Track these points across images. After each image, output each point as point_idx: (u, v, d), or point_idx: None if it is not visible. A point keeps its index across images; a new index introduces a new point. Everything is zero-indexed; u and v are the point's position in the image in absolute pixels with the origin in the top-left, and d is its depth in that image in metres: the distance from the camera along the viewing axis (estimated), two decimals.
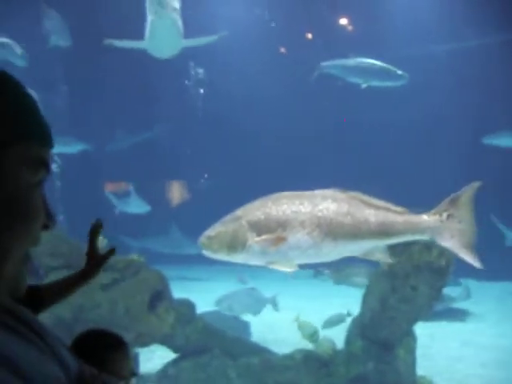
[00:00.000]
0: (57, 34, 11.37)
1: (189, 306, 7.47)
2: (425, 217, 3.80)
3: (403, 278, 6.80)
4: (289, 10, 12.72)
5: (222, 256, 3.82)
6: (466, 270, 10.97)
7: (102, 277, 6.54)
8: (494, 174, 11.93)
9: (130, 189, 14.03)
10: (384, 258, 4.02)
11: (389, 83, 10.78)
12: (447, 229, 3.77)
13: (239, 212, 3.84)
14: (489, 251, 11.66)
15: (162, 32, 7.64)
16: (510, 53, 12.03)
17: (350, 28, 13.66)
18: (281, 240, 3.61)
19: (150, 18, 7.78)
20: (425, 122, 13.43)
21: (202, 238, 3.85)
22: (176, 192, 16.19)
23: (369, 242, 3.79)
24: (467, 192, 3.81)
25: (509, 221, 12.10)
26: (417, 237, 3.91)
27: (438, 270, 6.72)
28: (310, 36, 13.76)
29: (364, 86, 10.76)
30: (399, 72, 10.63)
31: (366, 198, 3.85)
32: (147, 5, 7.75)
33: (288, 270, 3.76)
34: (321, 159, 13.74)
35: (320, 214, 3.69)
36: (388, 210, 3.81)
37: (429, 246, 6.63)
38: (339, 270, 9.65)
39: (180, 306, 7.34)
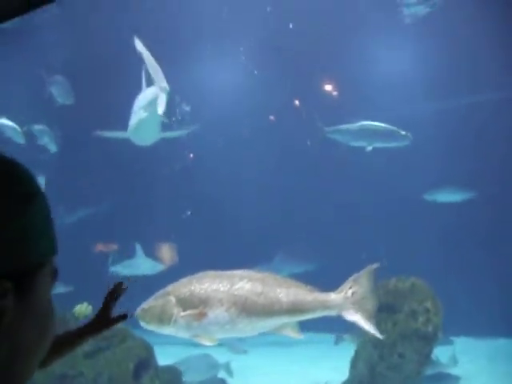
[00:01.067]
0: (62, 95, 11.76)
1: (174, 373, 7.34)
2: (332, 295, 4.18)
3: (390, 346, 6.76)
4: (275, 78, 13.01)
5: (153, 328, 4.21)
6: (457, 328, 11.04)
7: (86, 344, 6.46)
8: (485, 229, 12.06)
9: (137, 248, 13.08)
10: (294, 333, 4.30)
11: (393, 144, 10.94)
12: (352, 305, 4.16)
13: (169, 288, 4.25)
14: (479, 308, 11.76)
15: (146, 127, 8.39)
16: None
17: (335, 93, 13.96)
18: (202, 315, 4.02)
19: (136, 114, 8.36)
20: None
21: (138, 311, 4.20)
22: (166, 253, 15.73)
23: (281, 318, 4.15)
24: (367, 271, 4.24)
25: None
26: (325, 313, 4.24)
27: (425, 337, 6.71)
28: (297, 102, 14.00)
29: (369, 148, 10.88)
30: (403, 133, 10.81)
31: (278, 277, 4.25)
32: (136, 101, 8.44)
33: (208, 343, 4.16)
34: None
35: (236, 292, 4.10)
36: (298, 289, 4.17)
37: (415, 313, 6.64)
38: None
39: (165, 373, 7.22)
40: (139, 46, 7.98)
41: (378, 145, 10.99)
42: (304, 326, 4.40)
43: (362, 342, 7.08)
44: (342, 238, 12.66)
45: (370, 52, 12.72)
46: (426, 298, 6.71)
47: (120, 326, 6.48)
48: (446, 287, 7.85)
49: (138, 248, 12.49)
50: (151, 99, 7.95)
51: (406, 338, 6.70)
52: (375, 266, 4.32)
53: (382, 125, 10.93)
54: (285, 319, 4.18)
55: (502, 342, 12.52)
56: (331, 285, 4.33)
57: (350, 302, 4.17)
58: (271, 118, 14.07)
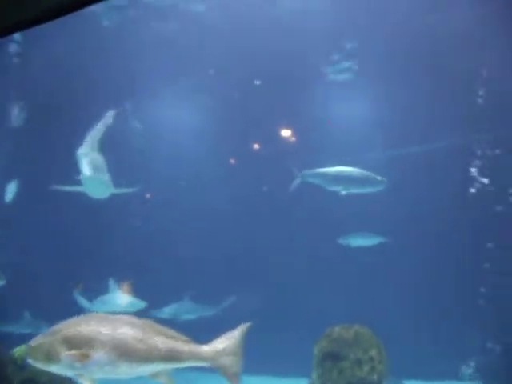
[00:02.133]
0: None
1: None
2: (205, 348, 4.53)
3: None
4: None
5: (41, 365, 4.38)
6: (407, 371, 11.00)
7: None
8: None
9: (111, 284, 12.91)
10: (168, 381, 4.61)
11: (368, 189, 11.14)
12: (222, 359, 4.54)
13: (58, 326, 4.43)
14: (430, 352, 11.72)
15: (94, 186, 9.28)
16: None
17: (293, 137, 14.20)
18: (85, 356, 4.25)
19: (82, 175, 9.08)
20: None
21: (28, 347, 4.42)
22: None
23: (158, 365, 4.45)
24: (240, 331, 4.67)
25: None
26: (198, 363, 4.57)
27: None
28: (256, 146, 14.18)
29: (344, 193, 11.05)
30: (378, 178, 11.03)
31: (158, 326, 4.53)
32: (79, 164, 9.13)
33: (89, 383, 4.38)
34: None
35: (119, 337, 4.35)
36: (175, 339, 4.49)
37: (359, 361, 6.74)
38: None
39: None
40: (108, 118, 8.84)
41: (354, 190, 11.17)
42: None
43: None
44: (258, 283, 12.77)
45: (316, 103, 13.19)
46: (370, 347, 6.81)
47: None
48: (389, 332, 7.92)
49: (112, 284, 12.43)
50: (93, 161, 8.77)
51: None
52: (248, 325, 4.72)
53: (358, 170, 11.13)
54: (161, 366, 4.47)
55: None
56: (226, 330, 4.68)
57: (220, 355, 4.53)
58: (231, 161, 14.29)
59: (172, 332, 4.55)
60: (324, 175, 11.25)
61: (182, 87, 13.43)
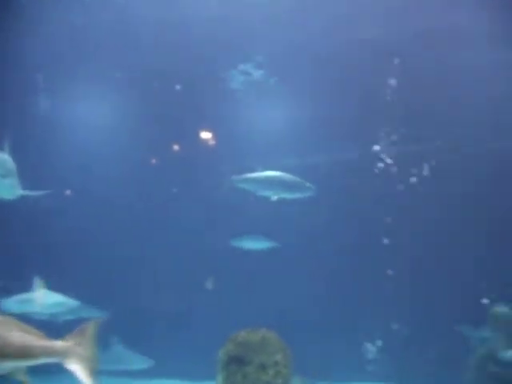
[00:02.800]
0: None
1: None
2: (58, 343, 4.34)
3: None
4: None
5: None
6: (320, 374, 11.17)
7: None
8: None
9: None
10: (23, 378, 4.41)
11: (298, 195, 11.21)
12: (75, 354, 4.38)
13: None
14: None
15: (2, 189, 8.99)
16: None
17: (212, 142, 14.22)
18: None
19: None
20: None
21: None
22: None
23: (10, 362, 4.23)
24: (92, 325, 4.56)
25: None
26: (51, 360, 4.37)
27: None
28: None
29: (274, 198, 11.08)
30: (307, 184, 11.14)
31: (15, 322, 4.32)
32: None
33: None
34: None
35: None
36: (30, 334, 4.29)
37: (264, 365, 6.71)
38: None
39: None
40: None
41: (284, 195, 11.24)
42: None
43: None
44: (167, 284, 12.77)
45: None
46: (276, 351, 6.80)
47: None
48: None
49: (37, 282, 11.76)
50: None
51: None
52: (101, 319, 4.66)
53: (288, 175, 11.22)
54: (14, 363, 4.28)
55: None
56: None
57: (73, 351, 4.37)
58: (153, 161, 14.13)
59: (27, 327, 4.34)
60: (255, 180, 11.29)
61: (99, 83, 13.08)
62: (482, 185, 12.04)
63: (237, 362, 6.69)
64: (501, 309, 10.78)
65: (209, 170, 12.64)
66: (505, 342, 10.03)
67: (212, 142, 13.79)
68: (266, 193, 11.23)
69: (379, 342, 11.72)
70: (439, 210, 12.27)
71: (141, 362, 11.51)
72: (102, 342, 11.55)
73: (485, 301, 11.23)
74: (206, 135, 13.80)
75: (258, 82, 12.95)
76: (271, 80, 12.97)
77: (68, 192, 13.63)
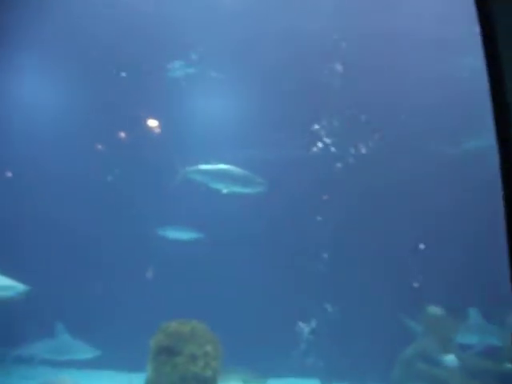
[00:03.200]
0: None
1: None
2: None
3: None
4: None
5: None
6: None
7: None
8: None
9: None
10: None
11: (249, 190, 11.24)
12: None
13: None
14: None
15: None
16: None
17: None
18: None
19: None
20: None
21: None
22: None
23: None
24: None
25: None
26: None
27: (204, 381, 6.82)
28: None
29: (225, 191, 11.08)
30: (258, 179, 11.18)
31: None
32: None
33: None
34: None
35: None
36: None
37: (194, 356, 6.77)
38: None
39: None
40: None
41: (235, 189, 11.27)
42: None
43: (145, 383, 7.05)
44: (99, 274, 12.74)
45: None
46: (206, 342, 6.88)
47: None
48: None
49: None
50: None
51: (186, 382, 6.77)
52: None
53: (240, 170, 11.27)
54: None
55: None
56: None
57: None
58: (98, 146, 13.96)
59: None
60: (206, 172, 11.30)
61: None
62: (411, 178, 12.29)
63: (167, 352, 6.73)
64: (433, 309, 11.15)
65: (153, 158, 12.49)
66: (434, 342, 10.38)
67: (156, 131, 13.76)
68: (218, 186, 11.28)
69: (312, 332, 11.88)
70: (374, 200, 12.43)
71: (87, 352, 11.30)
72: (48, 330, 11.41)
73: (415, 285, 11.57)
74: (150, 124, 13.77)
75: (199, 74, 13.02)
76: (213, 72, 13.02)
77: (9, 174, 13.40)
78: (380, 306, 11.84)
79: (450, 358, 9.83)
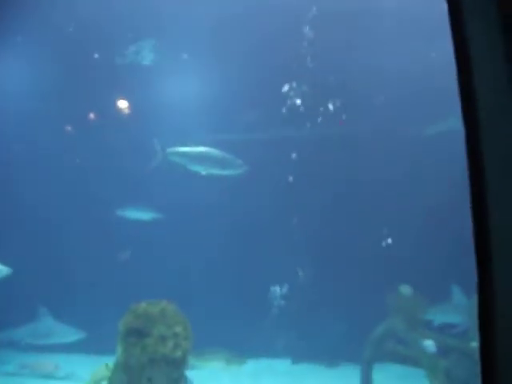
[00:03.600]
0: None
1: None
2: None
3: (139, 371, 6.76)
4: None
5: None
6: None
7: None
8: None
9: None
10: None
11: (228, 172, 11.19)
12: None
13: None
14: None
15: None
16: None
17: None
18: None
19: None
20: None
21: None
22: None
23: None
24: None
25: None
26: None
27: (173, 362, 6.80)
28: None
29: (204, 173, 11.04)
30: (238, 161, 11.15)
31: None
32: None
33: None
34: None
35: None
36: None
37: (164, 338, 6.73)
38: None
39: None
40: None
41: (214, 171, 11.25)
42: None
43: (114, 365, 7.00)
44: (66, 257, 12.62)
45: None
46: (175, 323, 6.84)
47: None
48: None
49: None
50: None
51: (155, 363, 6.74)
52: None
53: (219, 152, 11.23)
54: None
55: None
56: None
57: None
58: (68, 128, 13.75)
59: None
60: (186, 154, 11.26)
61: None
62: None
63: (136, 333, 6.68)
64: (404, 289, 11.24)
65: (124, 140, 12.38)
66: (403, 322, 10.49)
67: (126, 114, 13.61)
68: (198, 168, 11.25)
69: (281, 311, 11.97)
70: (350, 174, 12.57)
71: (71, 334, 11.17)
72: (30, 313, 11.27)
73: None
74: (120, 105, 13.59)
75: (170, 57, 12.83)
76: (184, 55, 12.85)
77: None
78: (353, 284, 12.01)
79: (429, 343, 9.88)
